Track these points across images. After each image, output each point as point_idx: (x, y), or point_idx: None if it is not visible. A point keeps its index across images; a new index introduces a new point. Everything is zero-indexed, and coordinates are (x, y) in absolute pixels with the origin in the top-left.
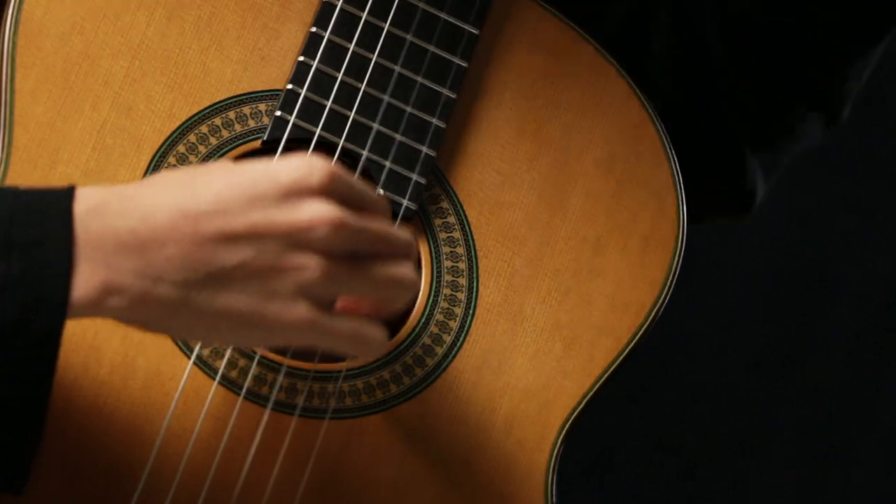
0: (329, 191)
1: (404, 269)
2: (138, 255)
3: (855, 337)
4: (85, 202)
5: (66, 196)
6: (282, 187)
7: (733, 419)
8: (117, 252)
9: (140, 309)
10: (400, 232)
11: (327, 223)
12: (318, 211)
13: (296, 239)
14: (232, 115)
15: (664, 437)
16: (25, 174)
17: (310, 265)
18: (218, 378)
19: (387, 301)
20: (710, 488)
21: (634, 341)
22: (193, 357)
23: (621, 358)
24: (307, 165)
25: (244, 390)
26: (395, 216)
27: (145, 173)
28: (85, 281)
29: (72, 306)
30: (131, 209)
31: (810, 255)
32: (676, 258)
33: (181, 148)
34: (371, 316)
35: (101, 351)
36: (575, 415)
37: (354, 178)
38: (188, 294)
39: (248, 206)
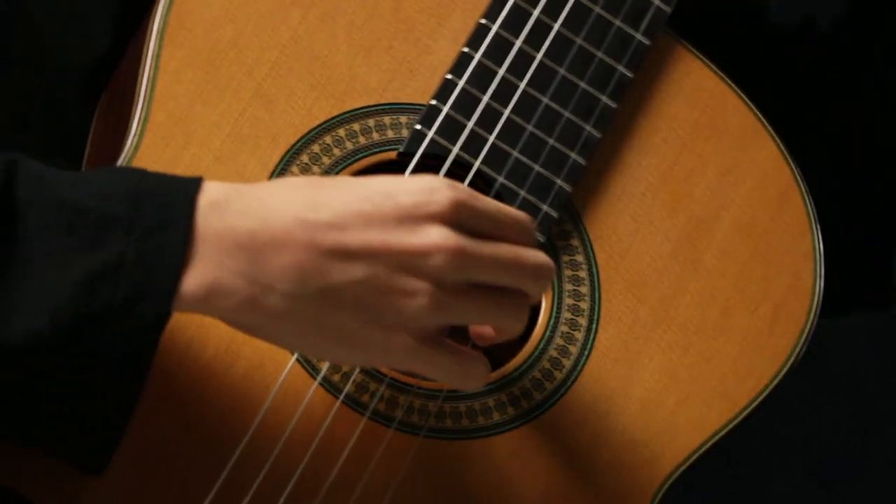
0: (450, 217)
1: (520, 298)
2: (252, 259)
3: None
4: (209, 195)
5: (192, 186)
6: (400, 209)
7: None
8: (232, 253)
9: (245, 314)
10: (532, 254)
11: (443, 250)
12: (435, 237)
13: (408, 263)
14: (371, 122)
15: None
16: (157, 151)
17: (419, 291)
18: (319, 379)
19: (503, 332)
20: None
21: (750, 407)
22: (297, 354)
23: (735, 422)
24: (430, 189)
25: (343, 394)
26: None
27: (275, 168)
28: (196, 276)
29: (179, 299)
30: (253, 210)
31: None
32: (807, 332)
33: (315, 148)
34: (483, 335)
35: (209, 334)
36: (679, 471)
37: (486, 200)
38: (296, 306)
39: (366, 224)
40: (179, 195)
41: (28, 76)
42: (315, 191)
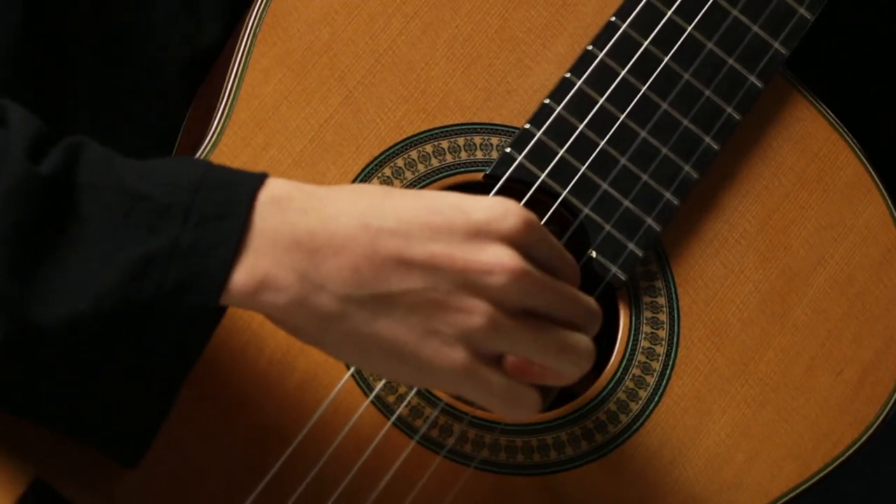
0: (519, 240)
1: (579, 339)
2: (308, 257)
3: None
4: (271, 191)
5: (255, 180)
6: (471, 224)
7: None
8: (288, 249)
9: (295, 312)
10: (586, 299)
11: (507, 271)
12: (501, 256)
13: (470, 280)
14: (461, 141)
15: None
16: (236, 150)
17: (478, 310)
18: (371, 397)
19: (555, 372)
20: None
21: (823, 473)
22: (352, 370)
23: (805, 486)
24: (503, 208)
25: (395, 416)
26: (601, 282)
27: (356, 178)
28: (247, 269)
29: (228, 292)
30: (315, 209)
31: None
32: (894, 400)
33: (399, 162)
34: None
35: (266, 341)
36: None
37: (551, 236)
38: (347, 309)
39: (431, 236)
40: (241, 188)
41: (132, 64)
42: (383, 198)
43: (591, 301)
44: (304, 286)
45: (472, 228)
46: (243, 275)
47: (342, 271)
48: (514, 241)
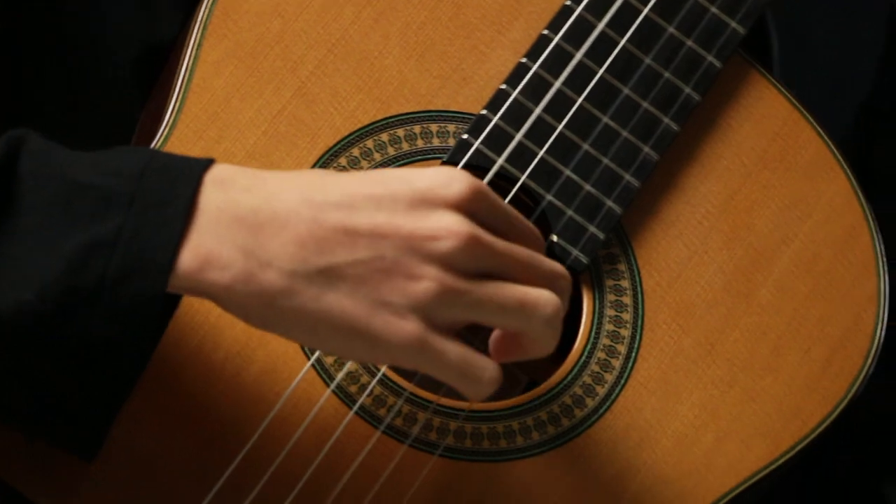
0: (466, 206)
1: (540, 293)
2: (252, 234)
3: None
4: (215, 174)
5: (200, 164)
6: (415, 192)
7: None
8: (231, 226)
9: (241, 291)
10: (549, 260)
11: (454, 235)
12: (447, 221)
13: (417, 246)
14: (417, 129)
15: None
16: (188, 143)
17: (427, 276)
18: (332, 386)
19: (523, 334)
20: None
21: (793, 451)
22: (312, 360)
23: (775, 465)
24: (448, 176)
25: (358, 406)
26: (562, 265)
27: (312, 168)
28: (191, 249)
29: (175, 274)
30: (258, 188)
31: None
32: (862, 377)
33: (355, 151)
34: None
35: (223, 334)
36: None
37: (503, 202)
38: (294, 285)
39: (375, 206)
40: (186, 172)
41: (86, 60)
42: (325, 176)
43: (554, 263)
44: (248, 263)
45: (416, 196)
46: (188, 255)
47: (287, 246)
48: (461, 206)
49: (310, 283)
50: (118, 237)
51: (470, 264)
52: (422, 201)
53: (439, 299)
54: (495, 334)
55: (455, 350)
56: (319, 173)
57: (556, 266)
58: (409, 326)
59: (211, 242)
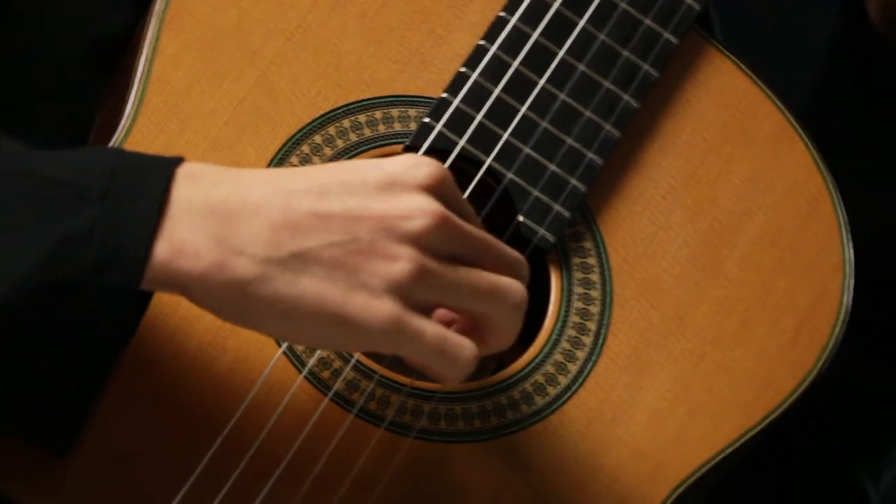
0: (435, 188)
1: (510, 282)
2: (224, 223)
3: None
4: (186, 169)
5: (171, 161)
6: (385, 175)
7: None
8: (204, 216)
9: (214, 280)
10: (508, 248)
11: (427, 214)
12: (419, 201)
13: (391, 226)
14: (378, 114)
15: None
16: (150, 136)
17: (403, 256)
18: (304, 372)
19: (491, 318)
20: None
21: (767, 421)
22: (283, 347)
23: (749, 436)
24: (416, 160)
25: (332, 392)
26: (529, 244)
27: (274, 157)
28: (164, 239)
29: (150, 266)
30: (229, 181)
31: None
32: (831, 346)
33: (317, 138)
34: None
35: (194, 325)
36: (685, 485)
37: (462, 197)
38: (267, 272)
39: (347, 191)
40: (157, 168)
41: (36, 56)
42: (297, 169)
43: (513, 250)
44: (221, 251)
45: (386, 180)
46: (162, 246)
47: (260, 233)
48: (431, 188)
49: (284, 269)
50: (93, 231)
51: (442, 246)
52: (392, 184)
53: (416, 279)
54: (455, 327)
55: (433, 329)
56: (292, 168)
57: (517, 253)
58: (386, 307)
59: (184, 233)
